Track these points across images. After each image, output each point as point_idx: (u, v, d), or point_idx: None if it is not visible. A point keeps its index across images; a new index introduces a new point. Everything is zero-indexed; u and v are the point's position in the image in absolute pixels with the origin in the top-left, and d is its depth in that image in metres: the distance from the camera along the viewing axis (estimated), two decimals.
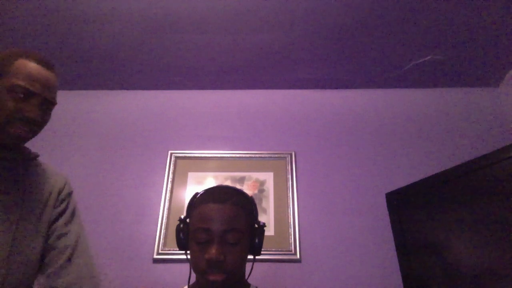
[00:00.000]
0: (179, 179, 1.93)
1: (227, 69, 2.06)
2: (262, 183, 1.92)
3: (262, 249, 1.75)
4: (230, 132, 2.09)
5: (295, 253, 1.74)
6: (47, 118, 0.98)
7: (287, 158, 1.98)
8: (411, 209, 1.70)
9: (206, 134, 2.08)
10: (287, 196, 1.87)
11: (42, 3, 1.65)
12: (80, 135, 2.09)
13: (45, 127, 2.10)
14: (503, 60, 1.99)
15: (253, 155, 1.99)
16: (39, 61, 0.95)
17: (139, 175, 1.96)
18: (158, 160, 2.00)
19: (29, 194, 0.98)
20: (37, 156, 1.06)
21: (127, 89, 2.24)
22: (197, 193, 0.93)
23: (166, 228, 1.79)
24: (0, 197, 0.91)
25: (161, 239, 1.77)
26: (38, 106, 0.93)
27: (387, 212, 1.85)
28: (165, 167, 1.97)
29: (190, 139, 2.07)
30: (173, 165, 1.96)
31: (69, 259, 1.01)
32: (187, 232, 0.90)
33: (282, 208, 1.85)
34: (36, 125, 0.94)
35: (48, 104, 0.96)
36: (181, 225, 0.91)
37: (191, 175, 1.94)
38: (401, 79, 2.14)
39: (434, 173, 1.86)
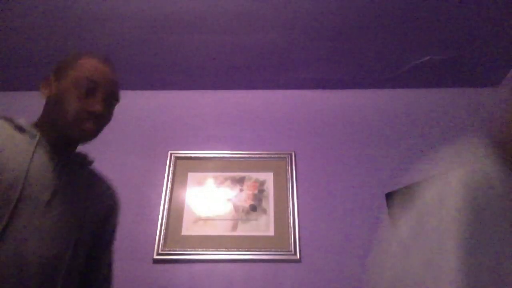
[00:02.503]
0: (179, 179, 1.93)
1: (227, 69, 2.06)
2: (262, 183, 1.92)
3: (262, 249, 1.75)
4: (230, 132, 2.09)
5: (295, 253, 1.74)
6: (111, 115, 0.99)
7: (287, 158, 1.97)
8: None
9: (206, 134, 2.08)
10: (287, 196, 1.87)
11: (42, 3, 1.65)
12: None
13: None
14: (503, 60, 1.99)
15: (253, 155, 1.99)
16: (102, 59, 0.98)
17: (139, 175, 1.96)
18: (158, 160, 2.00)
19: (87, 202, 0.97)
20: (92, 162, 1.04)
21: (127, 89, 2.23)
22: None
23: (166, 229, 1.79)
24: (64, 200, 0.89)
25: (161, 240, 1.77)
26: (102, 100, 0.92)
27: (387, 212, 1.84)
28: (165, 167, 1.97)
29: (190, 139, 2.07)
30: (173, 165, 1.96)
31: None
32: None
33: (282, 208, 1.85)
34: (102, 120, 0.94)
35: (111, 99, 0.96)
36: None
37: (191, 175, 1.94)
38: (401, 79, 2.14)
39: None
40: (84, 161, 1.02)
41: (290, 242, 1.76)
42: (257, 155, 1.99)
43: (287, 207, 1.85)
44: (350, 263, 1.73)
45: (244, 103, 2.19)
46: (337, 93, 2.21)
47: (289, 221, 1.81)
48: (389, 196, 1.85)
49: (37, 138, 0.89)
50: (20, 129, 0.89)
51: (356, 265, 1.74)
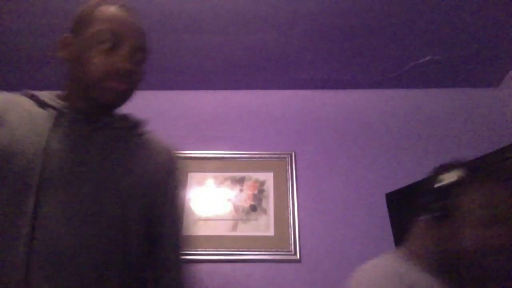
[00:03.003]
0: None
1: (227, 69, 2.06)
2: (262, 183, 1.92)
3: (262, 249, 1.75)
4: (230, 132, 2.09)
5: (294, 253, 1.74)
6: (142, 71, 0.84)
7: (287, 158, 1.97)
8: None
9: (206, 134, 2.08)
10: (287, 196, 1.87)
11: (43, 3, 1.65)
12: None
13: None
14: (503, 60, 1.99)
15: (253, 155, 1.99)
16: (122, 6, 0.83)
17: None
18: None
19: (132, 171, 0.81)
20: (143, 134, 0.89)
21: None
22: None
23: None
24: (98, 174, 0.75)
25: None
26: (130, 55, 0.78)
27: (387, 212, 1.84)
28: None
29: (190, 139, 2.07)
30: None
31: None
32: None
33: (282, 208, 1.85)
34: (133, 77, 0.80)
35: (140, 52, 0.81)
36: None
37: (191, 176, 1.94)
38: (401, 79, 2.14)
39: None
40: (129, 125, 0.87)
41: (290, 242, 1.76)
42: (257, 155, 1.99)
43: (287, 207, 1.85)
44: (350, 263, 1.73)
45: (244, 103, 2.19)
46: (337, 93, 2.21)
47: (289, 221, 1.81)
48: (389, 196, 1.85)
49: (57, 109, 0.77)
50: (42, 103, 0.78)
51: (356, 265, 1.73)
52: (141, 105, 2.20)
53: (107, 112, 0.83)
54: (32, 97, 0.79)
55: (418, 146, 2.03)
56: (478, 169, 0.85)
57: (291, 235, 1.78)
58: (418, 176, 1.94)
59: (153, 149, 0.89)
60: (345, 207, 1.87)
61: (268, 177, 1.94)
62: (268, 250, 1.75)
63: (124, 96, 0.81)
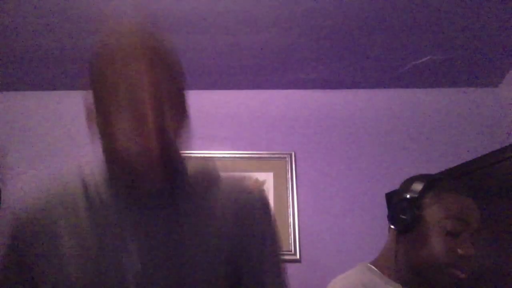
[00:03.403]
0: None
1: (227, 69, 2.06)
2: (262, 183, 1.92)
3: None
4: (230, 132, 2.09)
5: (295, 253, 1.74)
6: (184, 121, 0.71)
7: (287, 158, 1.98)
8: None
9: (206, 134, 2.08)
10: (287, 196, 1.87)
11: (43, 3, 1.65)
12: (80, 135, 2.09)
13: (44, 128, 2.10)
14: (503, 60, 1.99)
15: (253, 155, 1.99)
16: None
17: None
18: None
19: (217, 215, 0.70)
20: (215, 180, 0.78)
21: None
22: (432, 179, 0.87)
23: None
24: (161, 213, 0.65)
25: None
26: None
27: (387, 212, 1.84)
28: None
29: (190, 139, 2.06)
30: None
31: None
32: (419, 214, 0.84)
33: (282, 208, 1.85)
34: (159, 134, 0.60)
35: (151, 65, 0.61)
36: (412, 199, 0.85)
37: None
38: (401, 79, 2.14)
39: (433, 174, 1.86)
40: (203, 183, 0.75)
41: (290, 242, 1.76)
42: (257, 155, 1.99)
43: (287, 207, 1.85)
44: (350, 263, 1.73)
45: (244, 103, 2.19)
46: (337, 93, 2.21)
47: (289, 221, 1.81)
48: (389, 196, 1.85)
49: (94, 180, 0.67)
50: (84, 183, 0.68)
51: (356, 265, 1.74)
52: None
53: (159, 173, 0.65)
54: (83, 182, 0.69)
55: (418, 146, 2.03)
56: (443, 180, 0.88)
57: (291, 235, 1.78)
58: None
59: (231, 191, 0.77)
60: (345, 207, 1.87)
61: (268, 177, 1.94)
62: None
63: (154, 156, 0.60)
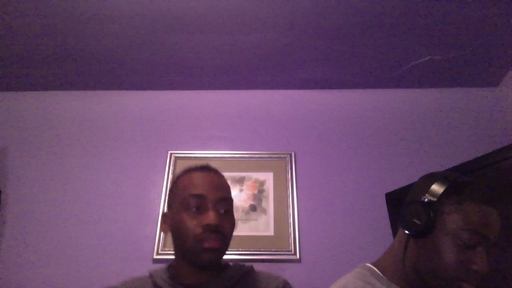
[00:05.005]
0: None
1: (227, 69, 2.06)
2: (262, 183, 1.92)
3: (262, 249, 1.75)
4: (230, 132, 2.09)
5: (295, 253, 1.74)
6: (232, 220, 0.87)
7: (287, 158, 1.98)
8: None
9: (206, 134, 2.08)
10: (287, 196, 1.87)
11: (43, 3, 1.65)
12: (80, 135, 2.09)
13: (44, 128, 2.10)
14: (503, 60, 1.99)
15: (253, 155, 1.99)
16: (201, 169, 0.91)
17: (139, 175, 1.96)
18: (158, 160, 2.00)
19: None
20: (248, 272, 0.91)
21: (127, 89, 2.24)
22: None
23: None
24: None
25: (161, 240, 1.77)
26: (214, 210, 0.83)
27: (387, 212, 1.84)
28: (165, 167, 1.97)
29: (190, 139, 2.07)
30: (173, 165, 1.96)
31: None
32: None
33: (282, 208, 1.85)
34: (223, 231, 0.83)
35: (223, 203, 0.85)
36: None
37: None
38: (401, 79, 2.14)
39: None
40: (240, 275, 0.88)
41: (290, 242, 1.76)
42: (257, 155, 1.99)
43: (287, 207, 1.85)
44: (350, 263, 1.73)
45: (244, 103, 2.19)
46: (337, 93, 2.21)
47: (289, 221, 1.81)
48: (389, 196, 1.85)
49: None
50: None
51: (356, 265, 1.74)
52: (141, 105, 2.20)
53: (212, 274, 0.85)
54: (151, 277, 0.88)
55: (418, 145, 2.03)
56: (466, 186, 0.79)
57: (291, 235, 1.78)
58: (418, 176, 1.94)
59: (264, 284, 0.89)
60: (345, 207, 1.87)
61: (268, 177, 1.94)
62: (268, 250, 1.75)
63: (219, 253, 0.82)
